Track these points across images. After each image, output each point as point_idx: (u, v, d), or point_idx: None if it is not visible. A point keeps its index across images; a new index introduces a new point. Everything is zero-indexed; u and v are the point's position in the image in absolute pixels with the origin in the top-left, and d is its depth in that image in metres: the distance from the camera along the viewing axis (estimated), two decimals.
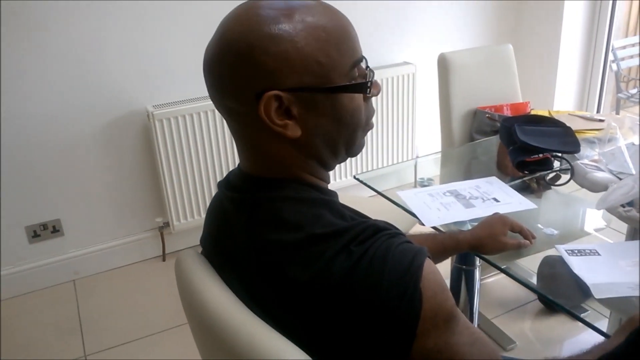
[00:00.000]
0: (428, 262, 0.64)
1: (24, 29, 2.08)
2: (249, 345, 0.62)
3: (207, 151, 2.43)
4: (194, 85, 2.42)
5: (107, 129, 2.34)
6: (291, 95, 0.65)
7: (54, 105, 2.22)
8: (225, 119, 0.72)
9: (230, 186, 0.76)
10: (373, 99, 0.76)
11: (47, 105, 2.21)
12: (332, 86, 0.67)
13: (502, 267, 1.23)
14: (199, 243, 0.83)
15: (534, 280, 1.21)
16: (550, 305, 2.04)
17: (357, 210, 0.74)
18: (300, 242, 0.64)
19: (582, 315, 1.07)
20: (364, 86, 0.70)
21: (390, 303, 0.60)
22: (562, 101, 3.10)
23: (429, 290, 0.61)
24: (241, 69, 0.65)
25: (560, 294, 1.16)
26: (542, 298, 2.09)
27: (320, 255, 0.63)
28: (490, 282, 2.28)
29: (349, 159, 0.79)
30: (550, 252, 1.22)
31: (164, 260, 2.59)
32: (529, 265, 1.25)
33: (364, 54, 0.72)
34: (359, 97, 0.71)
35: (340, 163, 0.78)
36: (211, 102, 2.10)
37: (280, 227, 0.66)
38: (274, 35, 0.63)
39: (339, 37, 0.66)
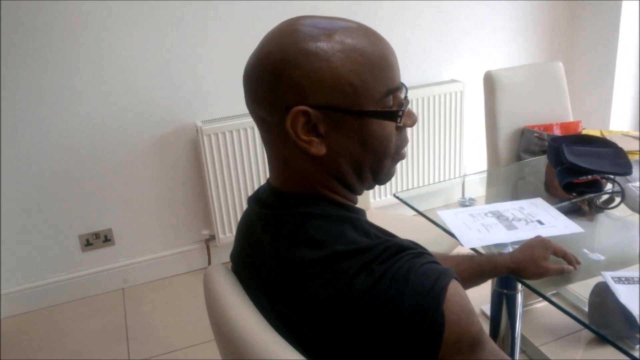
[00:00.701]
0: (454, 284, 0.62)
1: (85, 47, 2.19)
2: None
3: (253, 166, 2.48)
4: (242, 101, 2.48)
5: (157, 142, 2.42)
6: (319, 113, 0.65)
7: (108, 119, 2.32)
8: (258, 128, 0.73)
9: (259, 201, 0.77)
10: (419, 115, 0.75)
11: (102, 120, 2.31)
12: (361, 110, 0.66)
13: (548, 293, 1.18)
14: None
15: (586, 307, 1.15)
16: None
17: (384, 229, 0.73)
18: (323, 259, 0.64)
19: (637, 347, 1.01)
20: (394, 115, 0.69)
21: (410, 325, 0.59)
22: (619, 121, 2.97)
23: (452, 313, 0.60)
24: (274, 81, 0.66)
25: (610, 324, 1.11)
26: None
27: (342, 273, 0.63)
28: (539, 307, 2.19)
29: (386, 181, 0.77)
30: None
31: None
32: (582, 291, 1.20)
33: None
34: (389, 125, 0.69)
35: (368, 189, 0.77)
36: None
37: (304, 244, 0.67)
38: (309, 52, 0.64)
39: (376, 63, 0.66)
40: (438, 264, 0.65)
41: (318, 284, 0.63)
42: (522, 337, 1.96)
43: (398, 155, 0.74)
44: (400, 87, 0.70)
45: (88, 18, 2.16)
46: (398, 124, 0.70)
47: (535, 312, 2.17)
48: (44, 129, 2.24)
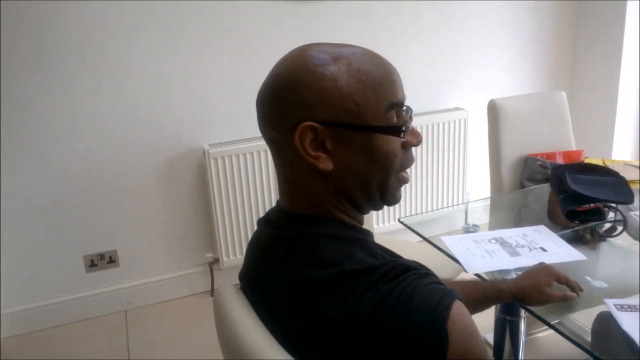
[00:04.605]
0: (457, 304, 0.63)
1: (93, 71, 2.24)
2: None
3: (258, 190, 2.50)
4: (248, 126, 2.52)
5: (165, 165, 2.45)
6: (326, 129, 0.69)
7: (116, 141, 2.36)
8: (269, 149, 0.76)
9: (269, 223, 0.79)
10: (423, 144, 0.78)
11: (110, 142, 2.35)
12: (366, 125, 0.70)
13: (551, 323, 1.18)
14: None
15: (588, 337, 1.15)
16: None
17: (390, 250, 0.75)
18: (331, 279, 0.66)
19: None
20: (398, 130, 0.72)
21: (415, 343, 0.61)
22: (621, 150, 3.00)
23: (456, 332, 0.61)
24: (284, 100, 0.70)
25: (614, 353, 1.11)
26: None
27: (350, 292, 0.64)
28: (542, 336, 2.18)
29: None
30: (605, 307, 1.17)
31: (212, 295, 2.64)
32: (584, 320, 1.20)
33: (414, 96, 0.74)
34: (395, 141, 0.72)
35: (375, 209, 0.79)
36: (264, 143, 2.15)
37: (313, 263, 0.69)
38: (317, 73, 0.68)
39: (378, 80, 0.70)
40: (442, 284, 0.67)
41: (326, 302, 0.65)
42: None
43: (402, 174, 0.76)
44: (402, 101, 0.74)
45: (95, 42, 2.22)
46: (402, 139, 0.73)
47: (539, 341, 2.16)
48: (53, 150, 2.28)
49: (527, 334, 2.11)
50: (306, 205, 0.74)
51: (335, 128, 0.69)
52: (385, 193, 0.76)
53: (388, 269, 0.66)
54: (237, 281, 0.85)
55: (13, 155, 2.23)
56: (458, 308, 0.63)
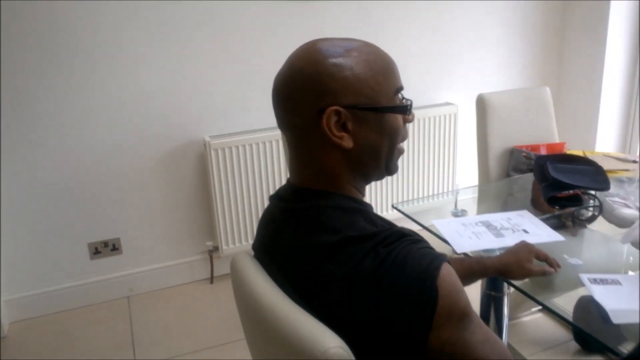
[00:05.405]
0: (446, 266, 0.74)
1: (99, 66, 2.33)
2: (294, 331, 0.73)
3: (257, 180, 2.59)
4: (248, 118, 2.61)
5: (167, 156, 2.54)
6: (348, 112, 0.80)
7: (120, 133, 2.45)
8: (287, 136, 0.86)
9: (280, 198, 0.89)
10: (416, 135, 0.88)
11: (114, 133, 2.44)
12: (381, 106, 0.82)
13: (539, 306, 1.25)
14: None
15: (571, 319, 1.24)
16: (586, 345, 2.05)
17: (388, 220, 0.86)
18: (337, 243, 0.76)
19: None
20: (406, 109, 0.85)
21: (409, 297, 0.71)
22: (605, 143, 3.12)
23: (444, 289, 0.72)
24: (309, 89, 0.80)
25: (591, 324, 1.20)
26: (578, 338, 2.09)
27: (353, 254, 0.75)
28: (527, 320, 2.30)
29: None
30: (586, 292, 1.24)
31: (211, 282, 2.73)
32: (566, 305, 1.30)
33: (409, 92, 0.86)
34: (400, 118, 0.85)
35: (379, 179, 0.90)
36: (263, 135, 2.28)
37: (321, 231, 0.79)
38: (337, 64, 0.79)
39: (385, 69, 0.83)
40: (433, 249, 0.78)
41: (333, 264, 0.75)
42: (512, 348, 2.06)
43: (401, 146, 0.89)
44: (403, 87, 0.87)
45: (101, 37, 2.31)
46: (407, 117, 0.87)
47: (523, 325, 2.27)
48: (58, 141, 2.36)
49: (512, 318, 2.22)
50: (320, 182, 0.84)
51: (356, 110, 0.80)
52: (389, 163, 0.88)
53: (386, 235, 0.76)
54: None
55: (19, 145, 2.31)
56: (446, 269, 0.74)
